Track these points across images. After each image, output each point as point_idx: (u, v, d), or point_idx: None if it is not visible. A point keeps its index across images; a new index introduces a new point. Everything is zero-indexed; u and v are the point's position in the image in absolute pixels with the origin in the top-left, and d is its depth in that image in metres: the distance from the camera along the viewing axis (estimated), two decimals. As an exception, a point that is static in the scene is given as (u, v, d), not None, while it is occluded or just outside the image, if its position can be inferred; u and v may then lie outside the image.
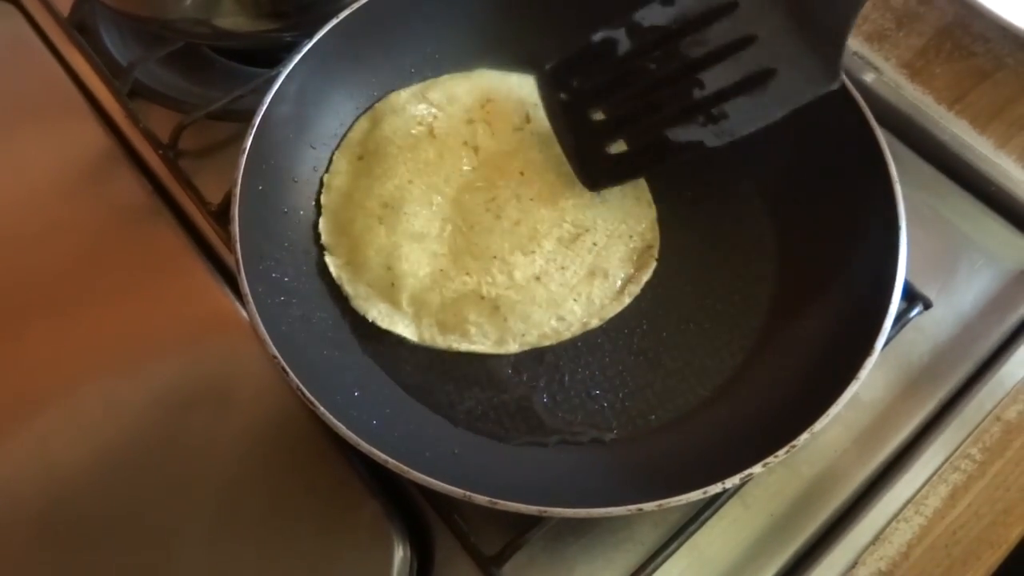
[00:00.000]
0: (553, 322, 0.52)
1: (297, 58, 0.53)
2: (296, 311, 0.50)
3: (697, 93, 0.49)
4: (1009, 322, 0.55)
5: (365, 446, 0.40)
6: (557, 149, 0.56)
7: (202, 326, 0.55)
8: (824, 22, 0.46)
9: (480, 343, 0.51)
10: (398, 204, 0.53)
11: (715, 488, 0.40)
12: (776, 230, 0.55)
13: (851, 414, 0.52)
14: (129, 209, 0.60)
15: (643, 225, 0.55)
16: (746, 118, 0.49)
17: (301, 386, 0.42)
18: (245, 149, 0.49)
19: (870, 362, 0.43)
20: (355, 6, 0.55)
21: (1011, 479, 0.50)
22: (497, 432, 0.49)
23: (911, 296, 0.52)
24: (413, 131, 0.56)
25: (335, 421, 0.41)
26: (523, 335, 0.51)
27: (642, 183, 0.57)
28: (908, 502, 0.49)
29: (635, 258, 0.54)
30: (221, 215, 0.56)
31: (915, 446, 0.51)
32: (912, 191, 0.59)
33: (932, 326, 0.55)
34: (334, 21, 0.54)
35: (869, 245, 0.49)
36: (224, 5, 0.58)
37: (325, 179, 0.55)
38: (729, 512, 0.48)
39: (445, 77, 0.60)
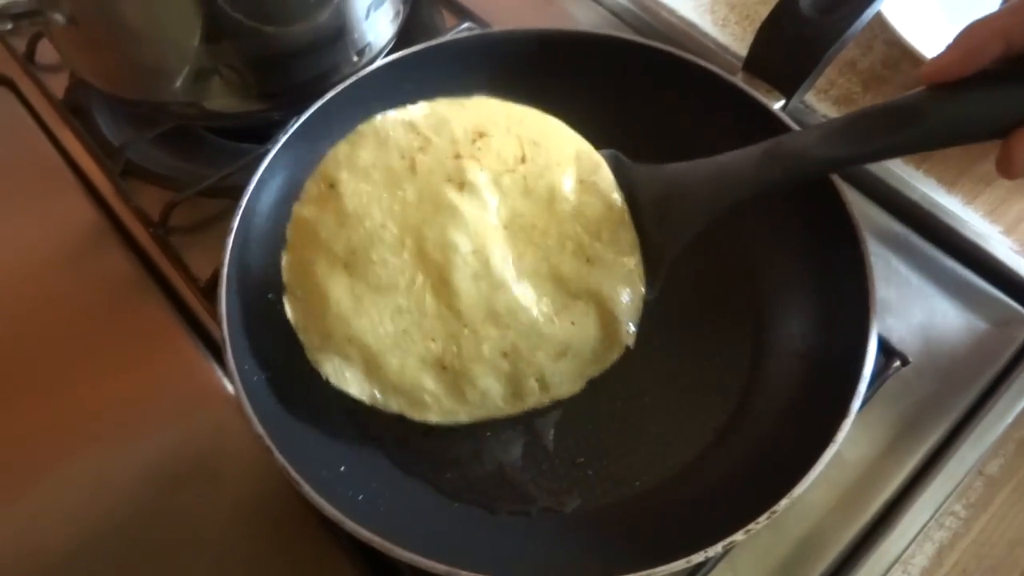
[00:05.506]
0: (507, 396, 0.48)
1: (284, 137, 0.54)
2: (283, 386, 0.50)
3: None
4: (987, 375, 0.56)
5: (349, 524, 0.41)
6: (548, 198, 0.50)
7: (190, 401, 0.55)
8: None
9: (432, 413, 0.48)
10: (366, 250, 0.48)
11: (698, 557, 0.40)
12: (750, 293, 0.56)
13: (835, 472, 0.52)
14: (118, 285, 0.61)
15: (626, 308, 0.50)
16: None
17: (287, 465, 0.42)
18: (232, 229, 0.50)
19: (846, 424, 0.44)
20: (341, 86, 0.57)
21: (996, 535, 0.50)
22: (482, 502, 0.49)
23: (888, 352, 0.53)
24: (393, 165, 0.50)
25: (319, 500, 0.41)
26: (477, 408, 0.48)
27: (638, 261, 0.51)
28: (895, 562, 0.49)
29: (606, 338, 0.50)
30: (210, 291, 0.57)
31: (900, 503, 0.51)
32: (884, 249, 0.61)
33: (912, 382, 0.56)
34: (321, 101, 0.56)
35: (841, 305, 0.50)
36: (213, 88, 0.60)
37: (295, 208, 0.51)
38: (717, 576, 0.49)
39: (440, 100, 0.53)
